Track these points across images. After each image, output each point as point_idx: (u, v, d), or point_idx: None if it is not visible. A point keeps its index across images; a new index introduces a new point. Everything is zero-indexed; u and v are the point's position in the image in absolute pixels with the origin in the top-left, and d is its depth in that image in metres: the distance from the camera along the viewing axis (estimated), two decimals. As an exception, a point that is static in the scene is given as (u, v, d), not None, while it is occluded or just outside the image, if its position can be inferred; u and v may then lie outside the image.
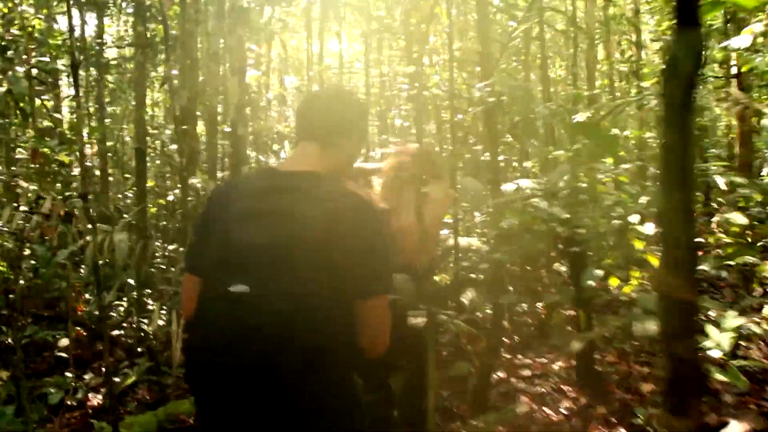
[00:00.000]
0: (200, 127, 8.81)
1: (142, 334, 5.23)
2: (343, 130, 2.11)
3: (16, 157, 7.46)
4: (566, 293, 3.68)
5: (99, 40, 9.83)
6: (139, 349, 5.22)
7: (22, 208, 4.93)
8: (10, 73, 6.72)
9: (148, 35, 7.87)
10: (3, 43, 7.63)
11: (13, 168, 9.57)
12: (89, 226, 4.26)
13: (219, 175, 7.15)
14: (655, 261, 3.54)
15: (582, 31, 8.29)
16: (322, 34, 13.50)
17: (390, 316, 1.90)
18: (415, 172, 2.57)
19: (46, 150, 7.20)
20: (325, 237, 1.76)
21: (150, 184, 9.10)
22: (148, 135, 9.17)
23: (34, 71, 7.16)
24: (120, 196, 9.75)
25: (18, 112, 6.44)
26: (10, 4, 9.04)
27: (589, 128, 3.13)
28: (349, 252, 1.78)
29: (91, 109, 10.34)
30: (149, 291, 5.79)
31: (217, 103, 7.71)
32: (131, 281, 5.65)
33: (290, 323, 1.68)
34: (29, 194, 5.41)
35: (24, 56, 6.69)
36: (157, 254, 6.55)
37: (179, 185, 7.95)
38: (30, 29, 7.61)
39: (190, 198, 6.65)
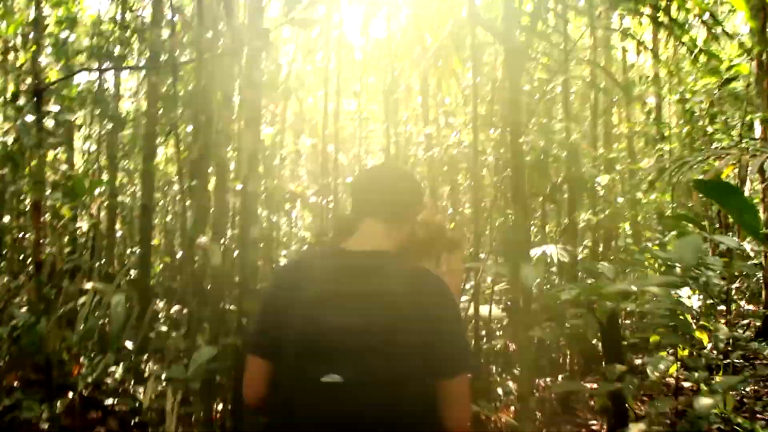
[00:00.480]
0: (211, 183, 8.43)
1: (137, 404, 4.75)
2: (409, 208, 2.09)
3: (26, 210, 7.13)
4: (629, 382, 3.19)
5: (114, 92, 9.62)
6: (133, 421, 4.74)
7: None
8: (19, 122, 6.44)
9: (164, 88, 7.58)
10: (15, 92, 7.37)
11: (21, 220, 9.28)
12: (88, 284, 3.85)
13: (228, 233, 6.73)
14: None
15: (603, 91, 8.01)
16: (339, 93, 13.32)
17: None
18: (429, 243, 2.46)
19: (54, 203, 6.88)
20: (413, 318, 1.73)
21: (155, 242, 8.71)
22: (157, 190, 8.83)
23: (48, 122, 6.85)
24: (128, 252, 9.35)
25: (21, 162, 6.10)
26: (28, 55, 8.89)
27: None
28: (437, 332, 1.75)
29: (103, 162, 10.04)
30: (147, 356, 5.32)
31: (228, 158, 7.39)
32: (129, 344, 5.19)
33: (390, 412, 1.65)
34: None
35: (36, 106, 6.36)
36: (159, 316, 6.09)
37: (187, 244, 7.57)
38: (47, 80, 7.38)
39: (196, 258, 6.25)
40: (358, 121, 13.33)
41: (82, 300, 5.09)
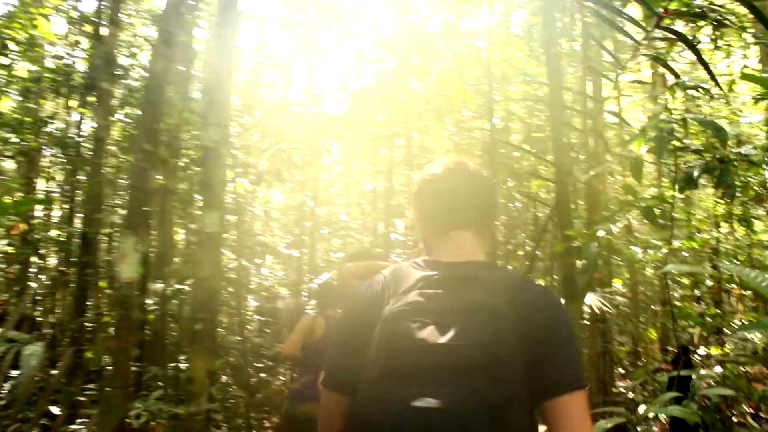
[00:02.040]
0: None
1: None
2: (494, 214, 1.86)
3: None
4: None
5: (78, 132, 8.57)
6: None
7: None
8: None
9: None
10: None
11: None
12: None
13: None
14: None
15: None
16: (318, 144, 12.43)
17: None
18: None
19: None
20: (519, 332, 1.48)
21: (102, 284, 7.40)
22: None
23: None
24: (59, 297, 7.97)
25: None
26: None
27: None
28: (548, 343, 1.52)
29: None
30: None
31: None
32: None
33: None
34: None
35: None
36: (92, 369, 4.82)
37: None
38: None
39: (150, 301, 5.06)
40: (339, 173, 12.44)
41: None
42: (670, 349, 8.73)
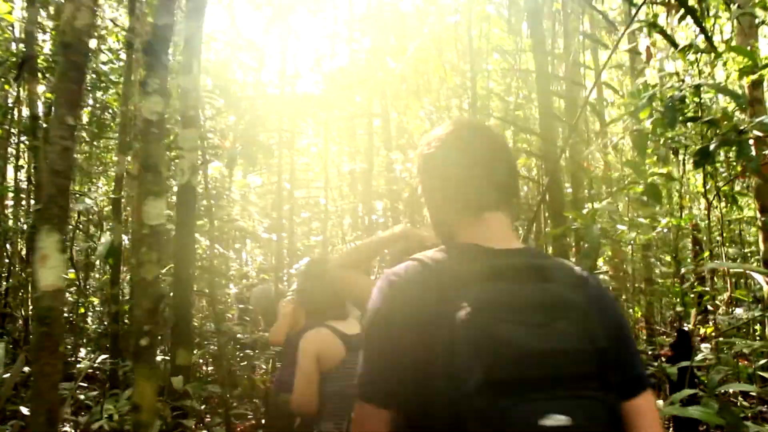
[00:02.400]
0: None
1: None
2: (518, 186, 1.58)
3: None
4: None
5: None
6: None
7: None
8: None
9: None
10: None
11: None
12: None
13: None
14: None
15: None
16: (294, 126, 12.12)
17: None
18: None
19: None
20: (603, 328, 1.29)
21: (70, 276, 7.05)
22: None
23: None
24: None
25: None
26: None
27: None
28: (622, 342, 1.36)
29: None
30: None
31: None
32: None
33: None
34: None
35: None
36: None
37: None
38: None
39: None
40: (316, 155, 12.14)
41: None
42: (657, 328, 8.64)
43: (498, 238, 1.45)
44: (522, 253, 1.42)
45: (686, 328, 4.70)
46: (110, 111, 6.19)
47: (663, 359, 5.03)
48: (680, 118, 2.69)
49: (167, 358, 5.71)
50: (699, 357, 3.50)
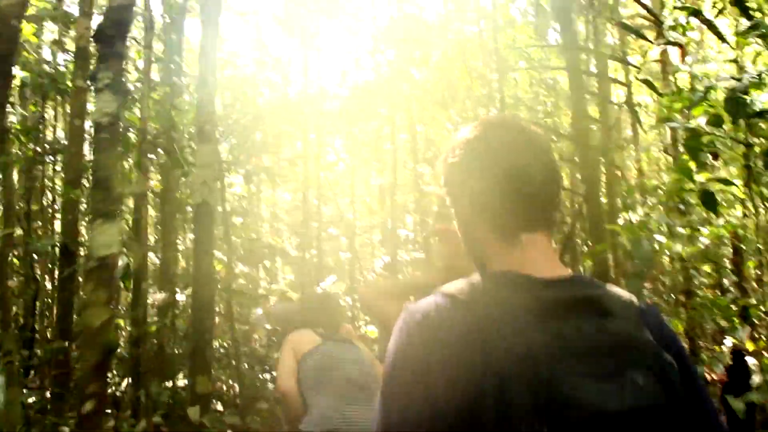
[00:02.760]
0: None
1: None
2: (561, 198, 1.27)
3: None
4: None
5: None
6: None
7: None
8: None
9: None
10: None
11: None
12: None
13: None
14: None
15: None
16: (320, 141, 11.95)
17: None
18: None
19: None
20: (674, 373, 1.04)
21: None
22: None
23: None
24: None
25: None
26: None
27: None
28: (696, 386, 1.11)
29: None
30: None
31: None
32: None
33: None
34: None
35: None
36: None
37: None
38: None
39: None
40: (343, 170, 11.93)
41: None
42: (702, 344, 8.18)
43: (540, 265, 1.17)
44: (572, 282, 1.14)
45: (737, 346, 4.30)
46: (131, 130, 6.09)
47: (719, 384, 4.64)
48: (746, 111, 2.36)
49: (186, 383, 5.49)
50: (756, 380, 3.13)
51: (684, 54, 6.05)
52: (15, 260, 7.35)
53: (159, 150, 6.06)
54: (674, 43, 3.49)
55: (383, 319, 2.07)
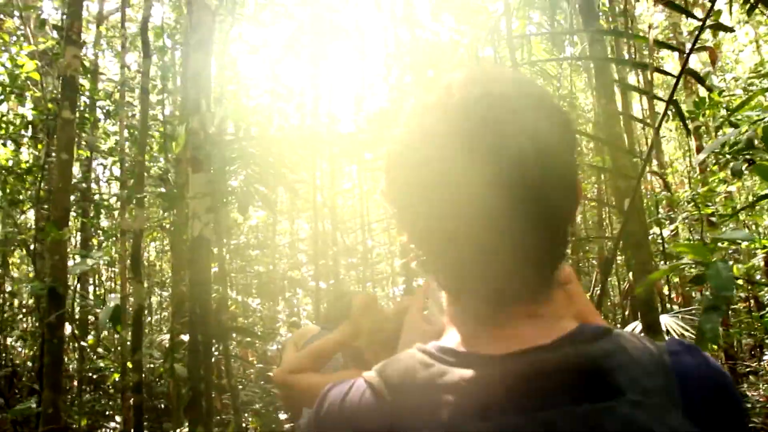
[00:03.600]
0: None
1: None
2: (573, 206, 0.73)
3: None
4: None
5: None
6: None
7: None
8: None
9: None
10: None
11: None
12: None
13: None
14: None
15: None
16: (334, 171, 11.63)
17: None
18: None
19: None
20: None
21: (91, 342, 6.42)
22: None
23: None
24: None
25: None
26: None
27: None
28: None
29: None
30: None
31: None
32: None
33: None
34: None
35: None
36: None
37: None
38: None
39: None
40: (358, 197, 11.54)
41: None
42: (740, 360, 7.57)
43: (519, 325, 0.72)
44: (564, 344, 0.69)
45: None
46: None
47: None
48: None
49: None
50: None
51: (714, 58, 5.59)
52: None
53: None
54: (704, 48, 3.04)
55: (308, 397, 1.80)
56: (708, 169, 8.64)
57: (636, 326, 3.08)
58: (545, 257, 0.70)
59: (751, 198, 10.14)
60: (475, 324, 0.72)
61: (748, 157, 6.38)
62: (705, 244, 2.42)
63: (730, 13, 4.55)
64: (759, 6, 4.45)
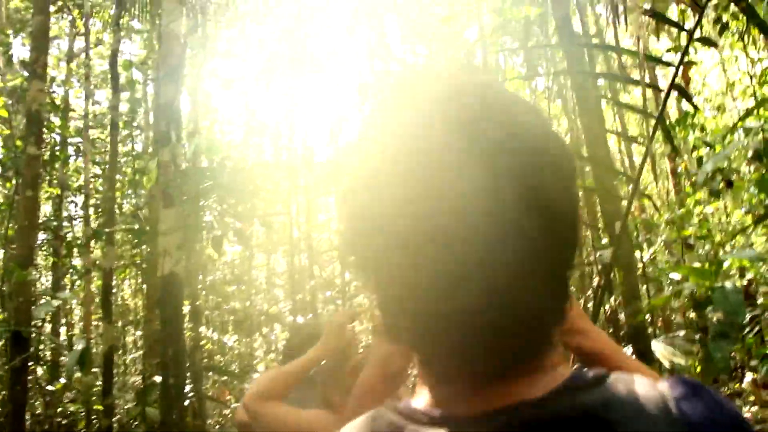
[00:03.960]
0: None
1: None
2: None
3: None
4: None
5: None
6: None
7: None
8: None
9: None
10: None
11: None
12: None
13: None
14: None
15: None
16: (310, 204, 11.51)
17: None
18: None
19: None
20: None
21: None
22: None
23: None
24: None
25: None
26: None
27: None
28: None
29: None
30: None
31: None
32: None
33: None
34: None
35: None
36: None
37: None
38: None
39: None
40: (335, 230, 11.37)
41: None
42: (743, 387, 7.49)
43: (504, 382, 0.60)
44: (556, 396, 0.58)
45: None
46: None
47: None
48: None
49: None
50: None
51: (687, 79, 5.61)
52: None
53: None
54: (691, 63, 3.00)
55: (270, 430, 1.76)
56: (682, 191, 8.66)
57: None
58: (546, 316, 0.59)
59: (724, 219, 10.18)
60: (450, 386, 0.60)
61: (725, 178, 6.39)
62: (688, 266, 2.33)
63: (701, 33, 4.57)
64: (728, 28, 4.47)
